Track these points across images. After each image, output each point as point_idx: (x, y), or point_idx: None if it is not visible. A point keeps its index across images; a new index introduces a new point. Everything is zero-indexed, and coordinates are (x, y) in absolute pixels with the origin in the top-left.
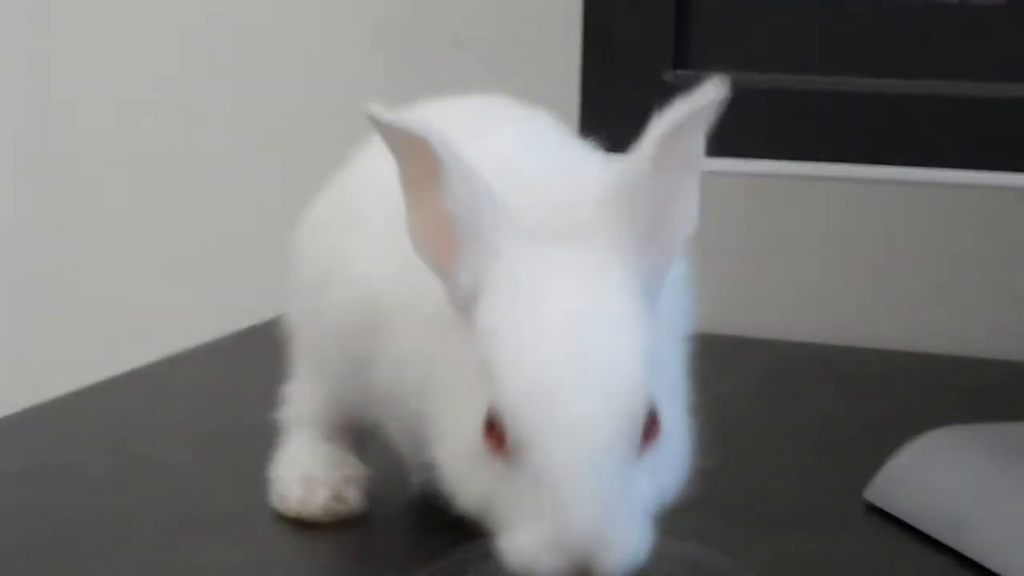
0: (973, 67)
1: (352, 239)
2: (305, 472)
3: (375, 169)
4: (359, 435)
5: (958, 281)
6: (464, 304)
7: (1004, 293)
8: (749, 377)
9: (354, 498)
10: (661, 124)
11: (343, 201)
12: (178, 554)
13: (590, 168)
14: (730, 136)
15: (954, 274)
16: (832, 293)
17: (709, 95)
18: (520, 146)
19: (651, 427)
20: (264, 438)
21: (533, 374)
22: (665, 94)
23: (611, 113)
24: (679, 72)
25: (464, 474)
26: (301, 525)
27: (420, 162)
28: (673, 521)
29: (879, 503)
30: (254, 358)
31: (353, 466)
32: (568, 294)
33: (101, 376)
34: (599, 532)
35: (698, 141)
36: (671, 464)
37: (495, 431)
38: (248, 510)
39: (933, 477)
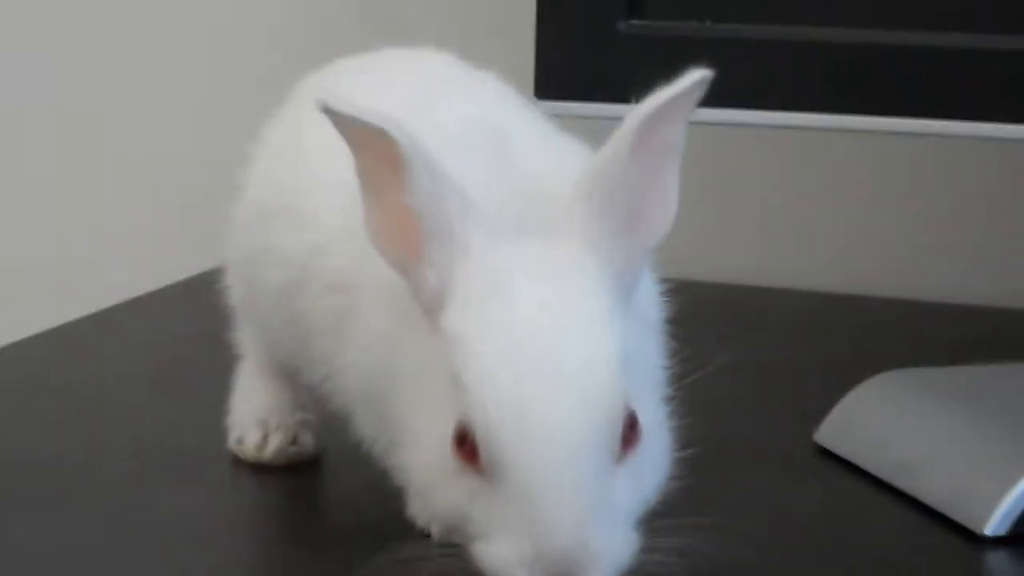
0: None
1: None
2: (261, 417)
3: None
4: None
5: (907, 226)
6: (431, 305)
7: (950, 239)
8: (700, 321)
9: (309, 442)
10: (639, 112)
11: (293, 166)
12: (131, 498)
13: (550, 145)
14: None
15: (903, 220)
16: (783, 238)
17: (691, 81)
18: (472, 118)
19: (630, 433)
20: (215, 383)
21: (505, 386)
22: (618, 43)
23: (566, 63)
24: (633, 22)
25: (435, 487)
26: (256, 468)
27: (380, 155)
28: None
29: (828, 445)
30: (204, 304)
31: (307, 409)
32: (539, 299)
33: (49, 325)
34: (580, 546)
35: (679, 130)
36: (652, 467)
37: (467, 445)
38: (201, 454)
39: (880, 420)
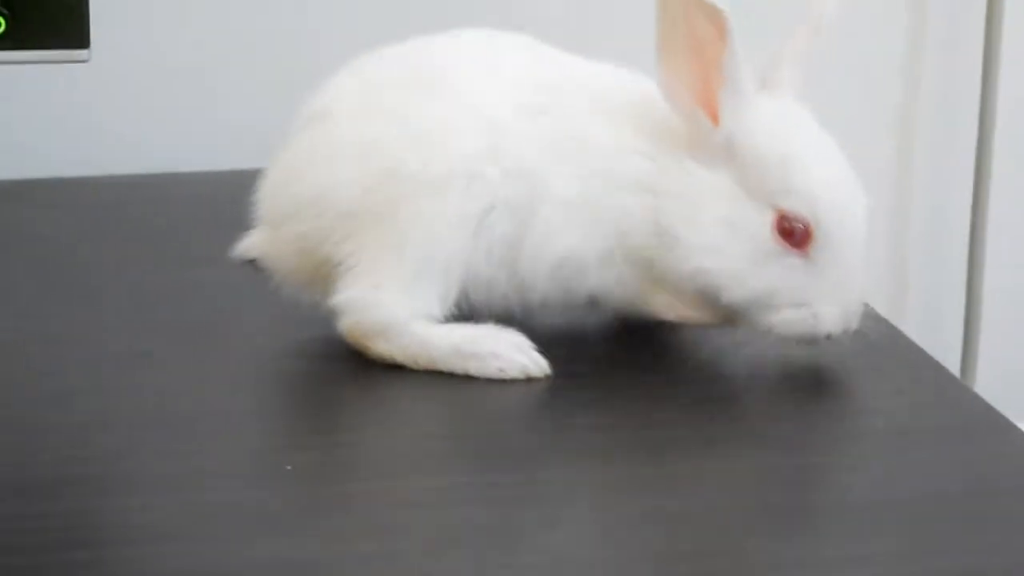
0: None
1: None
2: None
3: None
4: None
5: None
6: (713, 141)
7: None
8: None
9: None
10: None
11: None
12: None
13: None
14: None
15: None
16: None
17: None
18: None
19: None
20: None
21: (838, 189)
22: None
23: None
24: None
25: (748, 272)
26: None
27: (694, 26)
28: None
29: None
30: None
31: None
32: (819, 131)
33: None
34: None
35: None
36: None
37: (791, 233)
38: None
39: None
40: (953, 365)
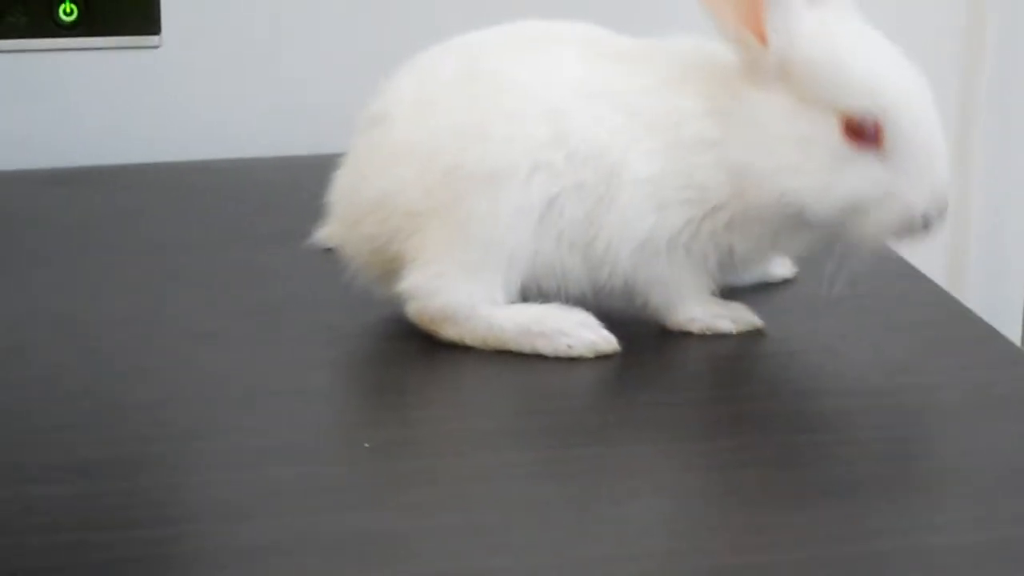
0: None
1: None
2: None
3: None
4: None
5: None
6: (771, 62)
7: None
8: None
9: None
10: None
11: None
12: None
13: None
14: None
15: None
16: None
17: None
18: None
19: None
20: None
21: (896, 75)
22: None
23: None
24: None
25: (830, 182)
26: None
27: None
28: None
29: None
30: None
31: None
32: (866, 30)
33: None
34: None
35: None
36: None
37: (861, 131)
38: None
39: None
40: (1014, 337)
